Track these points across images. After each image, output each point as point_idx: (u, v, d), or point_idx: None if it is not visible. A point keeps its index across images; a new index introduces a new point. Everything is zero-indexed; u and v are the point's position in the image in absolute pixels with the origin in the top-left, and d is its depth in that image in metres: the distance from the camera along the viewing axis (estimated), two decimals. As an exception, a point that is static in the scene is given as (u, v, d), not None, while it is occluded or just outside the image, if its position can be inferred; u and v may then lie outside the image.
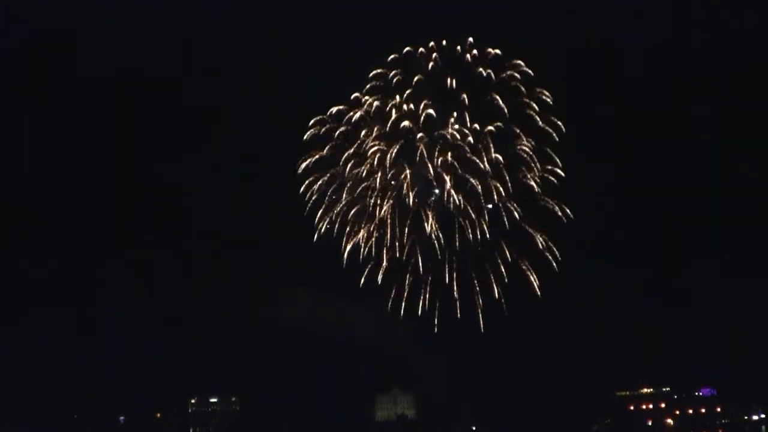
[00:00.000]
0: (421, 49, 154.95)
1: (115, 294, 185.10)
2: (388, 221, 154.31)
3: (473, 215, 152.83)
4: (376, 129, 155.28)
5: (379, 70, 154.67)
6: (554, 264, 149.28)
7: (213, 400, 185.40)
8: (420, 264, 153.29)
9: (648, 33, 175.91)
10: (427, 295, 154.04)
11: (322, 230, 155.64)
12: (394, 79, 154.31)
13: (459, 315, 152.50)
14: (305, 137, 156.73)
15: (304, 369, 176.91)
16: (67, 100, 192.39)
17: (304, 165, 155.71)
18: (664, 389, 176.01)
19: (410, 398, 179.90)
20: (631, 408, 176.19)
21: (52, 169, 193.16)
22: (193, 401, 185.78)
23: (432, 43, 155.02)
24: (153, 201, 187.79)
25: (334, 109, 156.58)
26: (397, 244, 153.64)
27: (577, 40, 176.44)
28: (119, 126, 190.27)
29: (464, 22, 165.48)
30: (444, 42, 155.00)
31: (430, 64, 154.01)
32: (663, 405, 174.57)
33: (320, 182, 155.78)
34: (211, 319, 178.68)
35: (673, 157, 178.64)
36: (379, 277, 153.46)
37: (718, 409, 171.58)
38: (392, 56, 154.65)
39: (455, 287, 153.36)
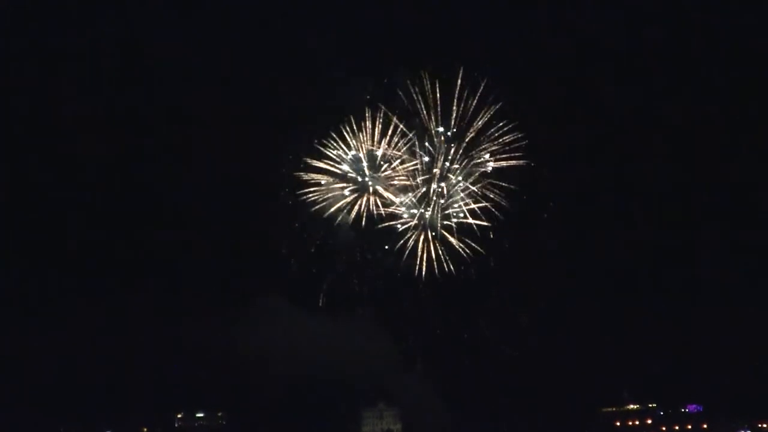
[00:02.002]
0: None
1: (101, 308, 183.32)
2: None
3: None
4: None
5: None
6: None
7: (199, 415, 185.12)
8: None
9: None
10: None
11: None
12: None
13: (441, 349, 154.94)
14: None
15: (289, 384, 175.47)
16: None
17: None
18: (650, 405, 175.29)
19: (396, 413, 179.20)
20: (617, 424, 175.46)
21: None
22: (179, 416, 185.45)
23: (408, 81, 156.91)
24: (136, 222, 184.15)
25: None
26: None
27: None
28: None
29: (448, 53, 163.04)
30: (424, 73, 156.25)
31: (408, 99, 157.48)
32: (649, 421, 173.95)
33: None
34: (196, 334, 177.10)
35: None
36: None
37: (705, 426, 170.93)
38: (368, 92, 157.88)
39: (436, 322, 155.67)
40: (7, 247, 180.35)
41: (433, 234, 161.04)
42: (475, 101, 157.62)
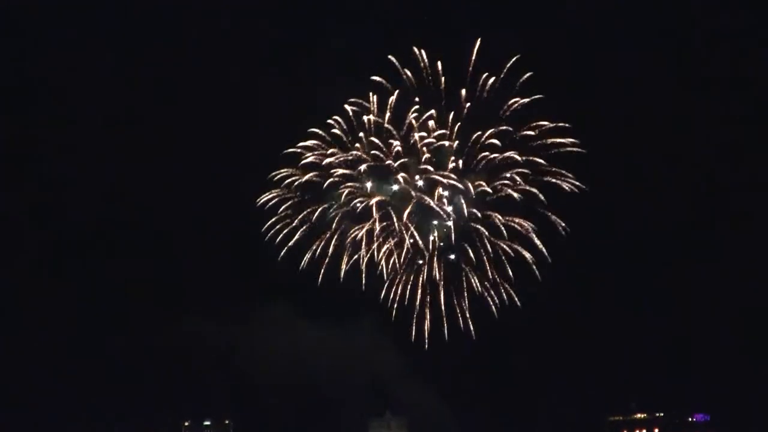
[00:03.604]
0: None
1: (105, 314, 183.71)
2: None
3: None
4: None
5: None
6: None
7: (206, 423, 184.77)
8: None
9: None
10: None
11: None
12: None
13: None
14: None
15: (297, 394, 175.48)
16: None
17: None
18: (657, 414, 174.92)
19: (403, 422, 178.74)
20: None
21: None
22: (186, 424, 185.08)
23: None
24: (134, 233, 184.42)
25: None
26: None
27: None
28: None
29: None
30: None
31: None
32: (656, 430, 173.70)
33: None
34: (202, 341, 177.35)
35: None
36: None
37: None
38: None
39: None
40: (6, 248, 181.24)
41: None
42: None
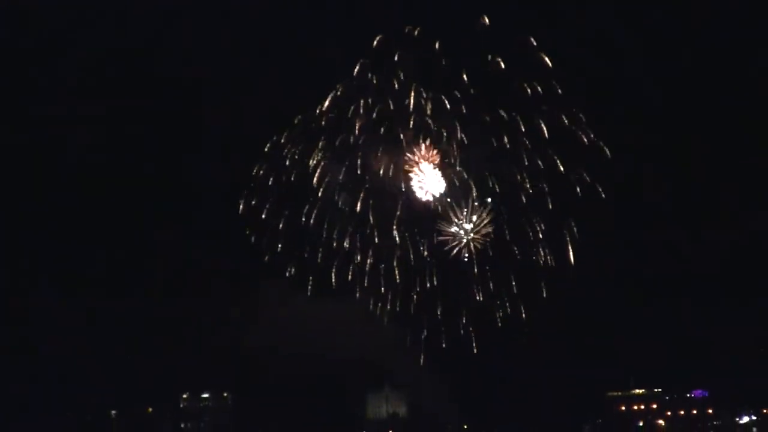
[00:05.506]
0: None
1: (105, 288, 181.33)
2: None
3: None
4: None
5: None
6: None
7: (204, 395, 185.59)
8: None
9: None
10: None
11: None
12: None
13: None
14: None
15: (293, 368, 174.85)
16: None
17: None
18: (656, 390, 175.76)
19: (401, 396, 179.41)
20: (623, 408, 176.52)
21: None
22: (184, 396, 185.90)
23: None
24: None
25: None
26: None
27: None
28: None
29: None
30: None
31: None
32: (655, 406, 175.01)
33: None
34: (201, 315, 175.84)
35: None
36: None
37: (710, 411, 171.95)
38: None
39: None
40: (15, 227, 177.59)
41: None
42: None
